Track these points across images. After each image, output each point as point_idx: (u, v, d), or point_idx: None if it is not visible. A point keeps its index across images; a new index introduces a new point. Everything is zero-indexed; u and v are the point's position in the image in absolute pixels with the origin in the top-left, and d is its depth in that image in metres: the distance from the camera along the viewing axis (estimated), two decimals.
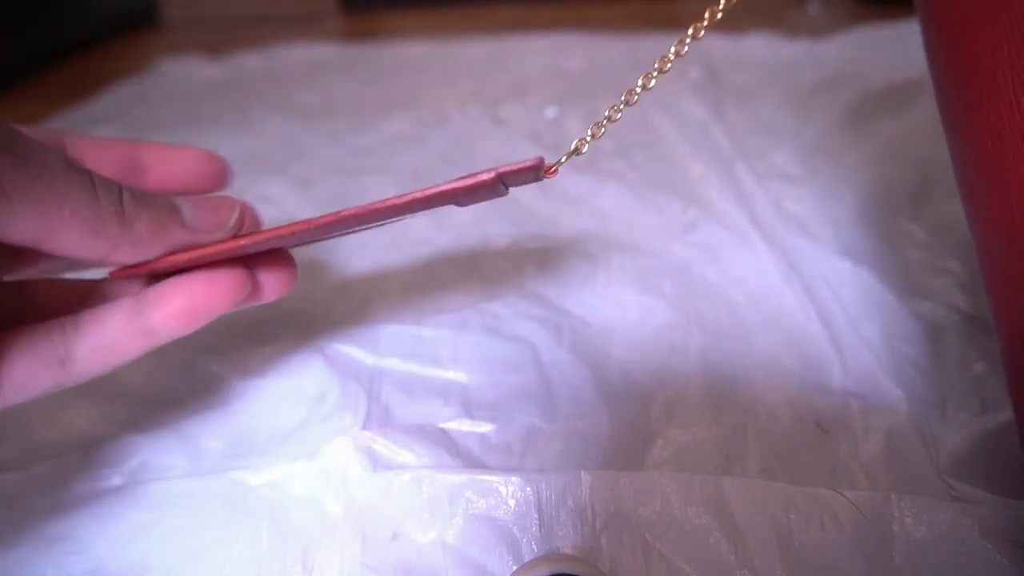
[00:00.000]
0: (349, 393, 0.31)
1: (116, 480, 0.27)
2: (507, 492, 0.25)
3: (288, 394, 0.31)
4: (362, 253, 0.41)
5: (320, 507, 0.25)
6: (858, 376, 0.31)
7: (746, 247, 0.40)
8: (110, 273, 0.22)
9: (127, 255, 0.20)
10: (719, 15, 0.24)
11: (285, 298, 0.25)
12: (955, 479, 0.26)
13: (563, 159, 0.23)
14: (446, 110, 0.63)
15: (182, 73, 0.80)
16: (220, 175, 0.26)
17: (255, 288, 0.24)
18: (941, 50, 0.21)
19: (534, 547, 0.24)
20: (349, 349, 0.33)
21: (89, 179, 0.19)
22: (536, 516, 0.24)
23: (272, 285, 0.24)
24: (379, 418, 0.29)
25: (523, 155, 0.55)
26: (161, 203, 0.20)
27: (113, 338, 0.21)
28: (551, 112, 0.61)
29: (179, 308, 0.21)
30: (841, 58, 0.66)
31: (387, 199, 0.21)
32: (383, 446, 0.27)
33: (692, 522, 0.24)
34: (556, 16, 0.97)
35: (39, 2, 0.84)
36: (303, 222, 0.21)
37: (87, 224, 0.18)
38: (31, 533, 0.25)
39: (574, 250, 0.40)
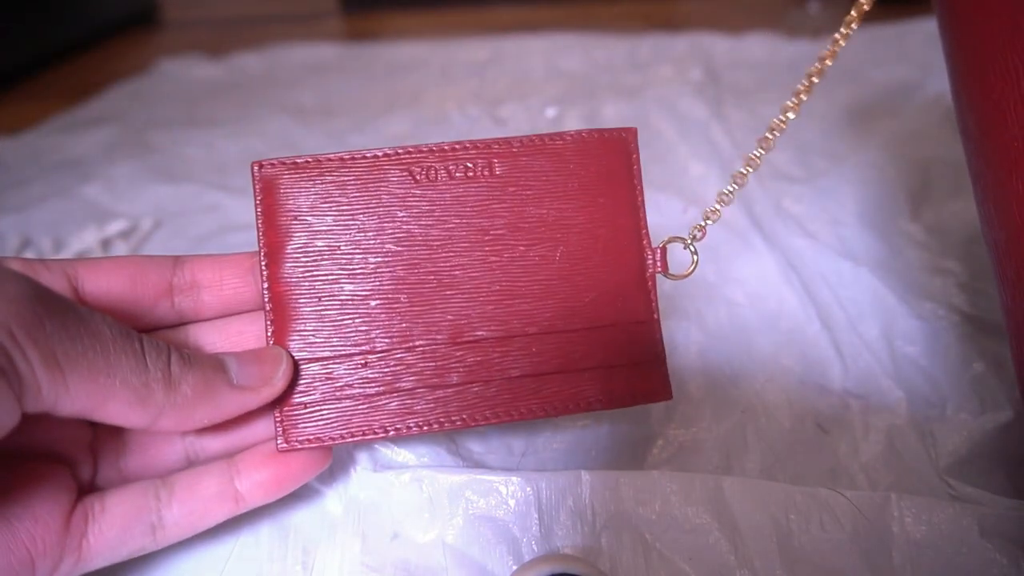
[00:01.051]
0: None
1: None
2: (507, 492, 0.25)
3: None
4: None
5: (320, 507, 0.25)
6: (858, 376, 0.31)
7: (746, 247, 0.40)
8: (280, 447, 0.22)
9: (172, 421, 0.20)
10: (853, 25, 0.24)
11: None
12: (955, 479, 0.26)
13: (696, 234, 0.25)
14: (446, 110, 0.63)
15: (182, 73, 0.80)
16: None
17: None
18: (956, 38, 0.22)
19: (534, 547, 0.24)
20: None
21: (139, 344, 0.19)
22: (536, 516, 0.24)
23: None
24: None
25: None
26: (207, 362, 0.20)
27: (204, 505, 0.21)
28: (551, 112, 0.61)
29: (270, 478, 0.22)
30: (841, 58, 0.66)
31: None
32: (383, 445, 0.27)
33: (692, 522, 0.24)
34: (556, 16, 0.97)
35: (39, 2, 0.84)
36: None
37: (135, 393, 0.18)
38: None
39: None
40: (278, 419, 0.22)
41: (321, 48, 0.85)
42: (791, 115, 0.24)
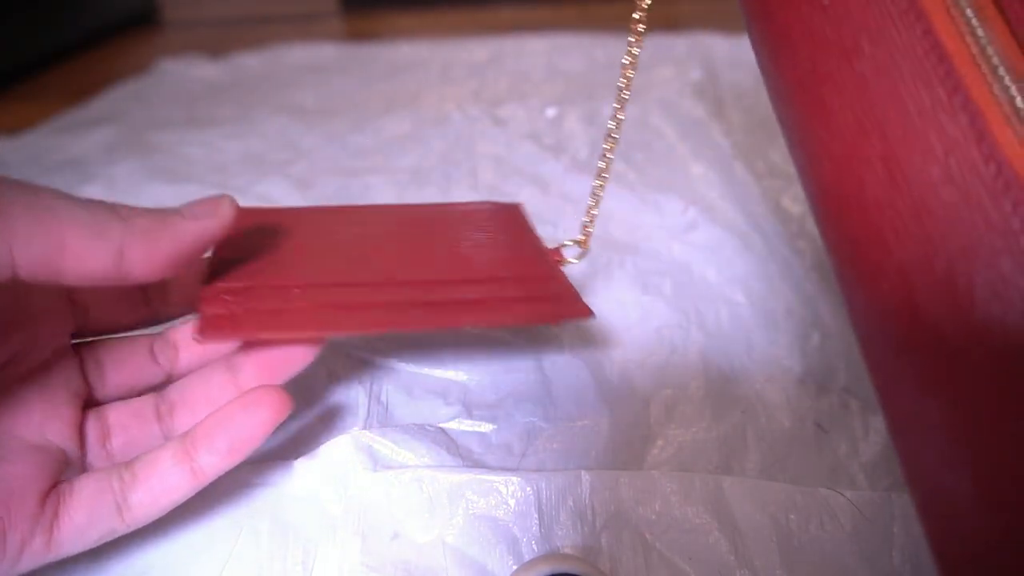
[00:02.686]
0: (349, 392, 0.31)
1: None
2: (507, 492, 0.25)
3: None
4: None
5: (320, 507, 0.25)
6: (858, 376, 0.31)
7: (746, 247, 0.40)
8: (195, 337, 0.22)
9: (139, 253, 0.19)
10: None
11: None
12: None
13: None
14: (446, 110, 0.63)
15: (182, 73, 0.80)
16: None
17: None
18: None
19: (534, 547, 0.24)
20: (349, 348, 0.33)
21: (77, 199, 0.19)
22: (536, 516, 0.24)
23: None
24: (379, 417, 0.29)
25: (523, 155, 0.55)
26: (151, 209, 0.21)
27: (164, 482, 0.22)
28: (551, 112, 0.61)
29: (224, 447, 0.22)
30: None
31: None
32: (383, 445, 0.27)
33: (692, 522, 0.24)
34: (556, 16, 0.97)
35: (39, 3, 0.84)
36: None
37: (88, 225, 0.18)
38: None
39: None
40: (200, 312, 0.22)
41: (321, 48, 0.85)
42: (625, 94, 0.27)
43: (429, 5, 1.06)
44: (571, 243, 0.30)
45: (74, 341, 0.24)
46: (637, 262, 0.39)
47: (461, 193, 0.48)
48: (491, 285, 0.26)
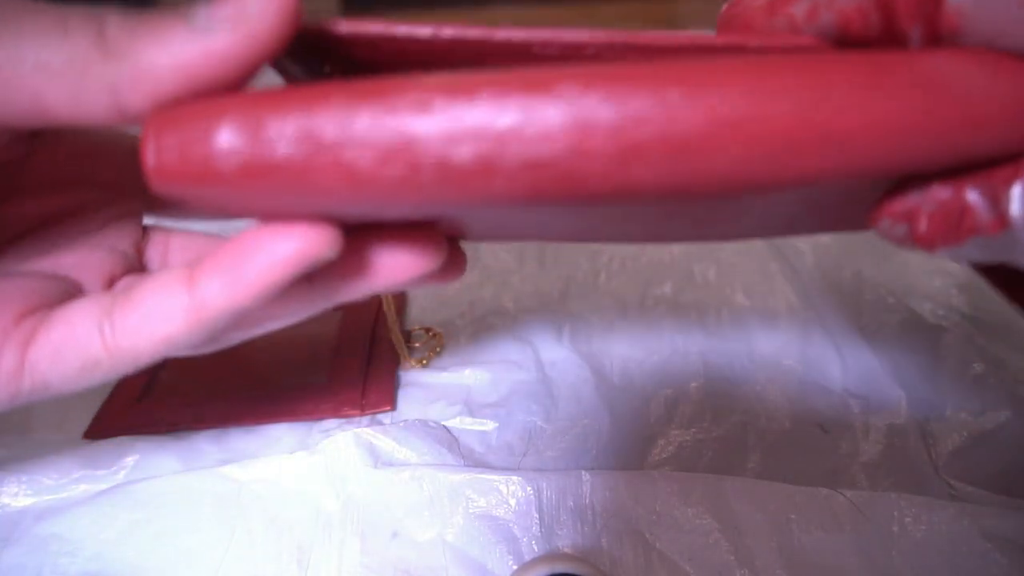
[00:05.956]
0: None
1: (110, 480, 0.27)
2: (507, 491, 0.25)
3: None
4: None
5: (318, 504, 0.25)
6: (858, 376, 0.31)
7: (746, 247, 0.40)
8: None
9: (139, 92, 0.14)
10: None
11: None
12: (955, 479, 0.26)
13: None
14: None
15: None
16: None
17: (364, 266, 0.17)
18: None
19: (534, 546, 0.24)
20: None
21: (59, 15, 0.15)
22: (536, 515, 0.24)
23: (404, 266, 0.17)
24: (381, 414, 0.29)
25: None
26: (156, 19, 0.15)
27: (159, 307, 0.17)
28: None
29: (230, 270, 0.16)
30: None
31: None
32: (384, 443, 0.27)
33: (692, 522, 0.24)
34: (556, 16, 0.97)
35: (39, 2, 0.84)
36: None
37: (61, 75, 0.14)
38: (25, 533, 0.25)
39: (575, 250, 0.40)
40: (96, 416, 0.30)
41: None
42: None
43: (429, 5, 1.06)
44: (415, 362, 0.33)
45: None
46: (637, 262, 0.39)
47: None
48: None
